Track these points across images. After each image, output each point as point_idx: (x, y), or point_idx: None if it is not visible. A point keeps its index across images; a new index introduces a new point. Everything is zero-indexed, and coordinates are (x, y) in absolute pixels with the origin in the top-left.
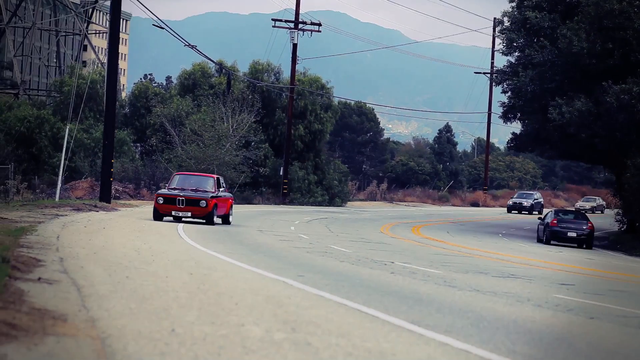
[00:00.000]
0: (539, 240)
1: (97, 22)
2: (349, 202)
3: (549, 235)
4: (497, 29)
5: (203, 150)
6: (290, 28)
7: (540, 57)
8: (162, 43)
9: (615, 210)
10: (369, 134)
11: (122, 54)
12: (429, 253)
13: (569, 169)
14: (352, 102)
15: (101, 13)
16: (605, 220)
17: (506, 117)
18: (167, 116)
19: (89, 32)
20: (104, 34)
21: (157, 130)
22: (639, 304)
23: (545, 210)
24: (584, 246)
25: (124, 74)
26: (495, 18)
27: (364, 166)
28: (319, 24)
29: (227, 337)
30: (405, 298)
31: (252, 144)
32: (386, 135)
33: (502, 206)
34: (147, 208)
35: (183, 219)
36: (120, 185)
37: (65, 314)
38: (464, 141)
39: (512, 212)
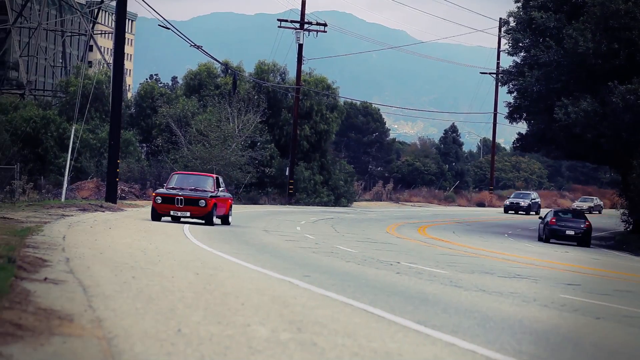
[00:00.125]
0: (540, 239)
1: (102, 23)
2: (354, 203)
3: (548, 234)
4: (503, 29)
5: (209, 150)
6: (295, 28)
7: (546, 57)
8: (167, 43)
9: (621, 211)
10: (374, 134)
11: (127, 54)
12: (435, 253)
13: (575, 169)
14: (358, 103)
15: (107, 13)
16: (610, 220)
17: (512, 117)
18: (172, 116)
19: (95, 32)
20: (110, 34)
21: (163, 130)
22: None
23: (545, 210)
24: (582, 244)
25: (129, 74)
26: (500, 18)
27: (369, 166)
28: (325, 25)
29: (233, 337)
30: (411, 298)
31: (258, 144)
32: (392, 135)
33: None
34: None
35: (181, 219)
36: (126, 185)
37: (71, 314)
38: (470, 141)
39: (509, 212)
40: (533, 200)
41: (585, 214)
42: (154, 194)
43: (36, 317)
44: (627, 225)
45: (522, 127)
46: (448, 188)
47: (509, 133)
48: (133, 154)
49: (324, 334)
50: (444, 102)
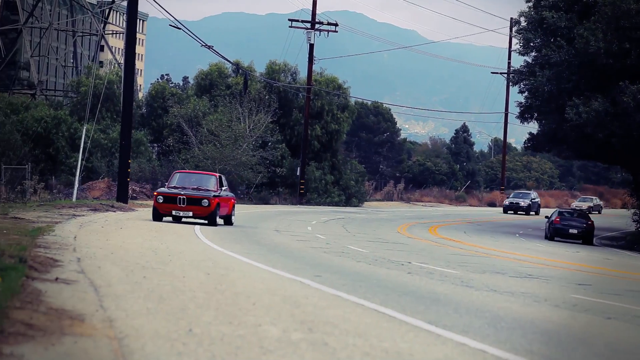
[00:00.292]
0: (546, 237)
1: (113, 23)
2: (365, 202)
3: (553, 232)
4: (514, 28)
5: (220, 150)
6: (306, 28)
7: (557, 57)
8: (178, 43)
9: (632, 211)
10: (385, 134)
11: (138, 54)
12: (446, 253)
13: (586, 169)
14: (369, 102)
15: (118, 13)
16: (621, 220)
17: (523, 117)
18: (184, 116)
19: (106, 32)
20: (121, 35)
21: (174, 130)
22: None
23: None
24: (585, 242)
25: (140, 75)
26: (512, 18)
27: (380, 166)
28: (336, 24)
29: (244, 337)
30: (422, 298)
31: (269, 144)
32: (403, 135)
33: None
34: None
35: (183, 219)
36: (137, 185)
37: (82, 314)
38: (481, 141)
39: (508, 212)
40: (533, 200)
41: (588, 214)
42: (155, 193)
43: (47, 317)
44: (638, 225)
45: (533, 127)
46: (459, 188)
47: (520, 133)
48: (144, 154)
49: (335, 334)
50: (455, 102)
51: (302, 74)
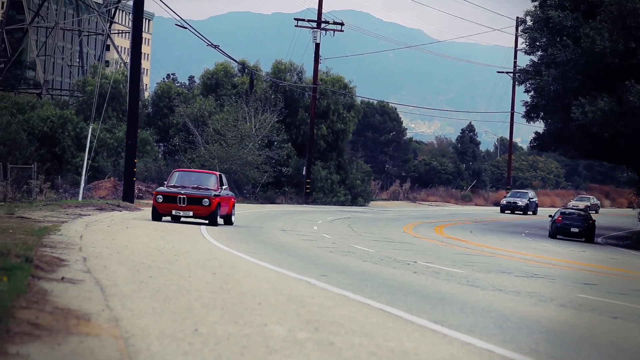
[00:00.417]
0: (550, 236)
1: (119, 22)
2: (371, 202)
3: (555, 230)
4: (520, 28)
5: (226, 150)
6: (312, 28)
7: (563, 56)
8: (184, 43)
9: (638, 210)
10: (391, 134)
11: (144, 53)
12: (452, 253)
13: (592, 168)
14: (375, 102)
15: (124, 13)
16: (629, 220)
17: (529, 116)
18: (189, 116)
19: (112, 32)
20: (127, 34)
21: (180, 130)
22: None
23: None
24: (587, 240)
25: (146, 74)
26: (517, 17)
27: (386, 166)
28: (342, 24)
29: (250, 336)
30: (428, 298)
31: (275, 143)
32: (409, 134)
33: None
34: None
35: (182, 219)
36: (143, 185)
37: (88, 314)
38: (487, 140)
39: (505, 212)
40: (531, 200)
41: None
42: (154, 192)
43: (53, 316)
44: None
45: (539, 126)
46: (465, 187)
47: (525, 132)
48: (150, 153)
49: (341, 333)
50: (461, 102)
51: (308, 74)
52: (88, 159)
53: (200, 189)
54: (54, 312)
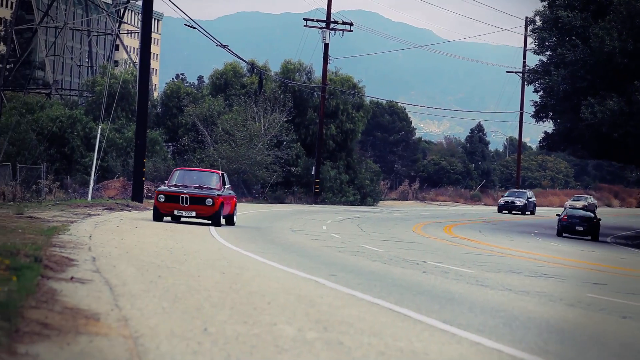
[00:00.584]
0: (557, 235)
1: (129, 22)
2: (380, 202)
3: (561, 229)
4: (529, 28)
5: (235, 149)
6: (321, 28)
7: (572, 56)
8: (193, 43)
9: None
10: (400, 134)
11: (154, 53)
12: (461, 252)
13: (601, 168)
14: (384, 102)
15: (133, 13)
16: (638, 220)
17: (538, 116)
18: (199, 116)
19: (121, 32)
20: (136, 34)
21: (189, 129)
22: None
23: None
24: (592, 238)
25: (155, 74)
26: (527, 17)
27: (395, 165)
28: (351, 24)
29: (259, 336)
30: (437, 297)
31: (284, 143)
32: (418, 134)
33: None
34: None
35: (182, 219)
36: (152, 184)
37: (97, 313)
38: (496, 140)
39: (503, 212)
40: (529, 200)
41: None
42: (156, 192)
43: (62, 316)
44: None
45: (548, 126)
46: (474, 187)
47: (535, 132)
48: (159, 153)
49: (350, 333)
50: (470, 101)
51: (317, 73)
52: (97, 158)
53: (202, 188)
54: (63, 312)
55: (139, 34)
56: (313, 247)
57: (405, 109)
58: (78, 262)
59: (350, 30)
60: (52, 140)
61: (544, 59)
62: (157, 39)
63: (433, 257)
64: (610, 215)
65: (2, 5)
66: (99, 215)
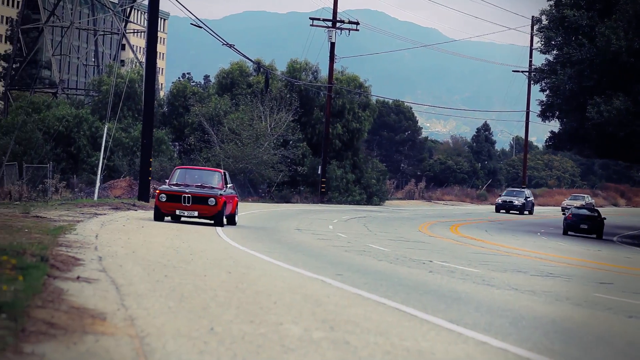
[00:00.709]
0: (563, 233)
1: (135, 22)
2: (387, 201)
3: (566, 227)
4: (535, 27)
5: (241, 149)
6: (328, 27)
7: (578, 55)
8: (200, 42)
9: None
10: (407, 133)
11: (160, 53)
12: (468, 252)
13: (608, 167)
14: (390, 101)
15: (139, 12)
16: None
17: (544, 115)
18: (205, 115)
19: (127, 31)
20: (142, 33)
21: (196, 129)
22: None
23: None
24: (597, 236)
25: (162, 73)
26: (533, 16)
27: (402, 165)
28: (357, 23)
29: (265, 335)
30: (443, 297)
31: (290, 142)
32: (424, 133)
33: (540, 205)
34: None
35: (182, 219)
36: (158, 184)
37: (104, 313)
38: (502, 140)
39: (501, 211)
40: (527, 199)
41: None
42: (157, 191)
43: (69, 315)
44: None
45: (554, 125)
46: (480, 187)
47: (541, 131)
48: (165, 152)
49: (357, 332)
50: (477, 101)
51: (323, 73)
52: (103, 158)
53: (204, 187)
54: (69, 311)
55: (145, 33)
56: (319, 246)
57: (411, 108)
58: (84, 262)
59: (357, 30)
60: (59, 139)
61: (551, 58)
62: (164, 38)
63: (439, 256)
64: (616, 214)
65: (8, 4)
66: (105, 214)
